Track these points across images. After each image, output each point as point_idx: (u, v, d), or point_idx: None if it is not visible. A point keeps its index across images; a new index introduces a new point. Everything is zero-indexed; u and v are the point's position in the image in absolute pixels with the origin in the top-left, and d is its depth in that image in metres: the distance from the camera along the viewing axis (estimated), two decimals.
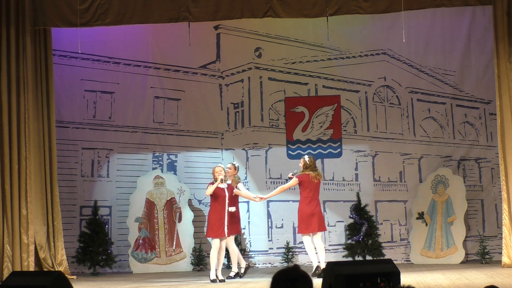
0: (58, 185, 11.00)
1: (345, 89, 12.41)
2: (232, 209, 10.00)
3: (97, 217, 11.75)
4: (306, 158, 10.31)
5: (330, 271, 5.95)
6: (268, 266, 12.00)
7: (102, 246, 11.61)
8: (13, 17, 10.58)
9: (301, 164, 10.27)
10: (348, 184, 12.28)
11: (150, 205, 11.89)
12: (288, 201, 11.83)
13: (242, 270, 10.31)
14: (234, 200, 10.16)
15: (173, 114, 12.47)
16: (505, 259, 10.21)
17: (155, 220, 11.85)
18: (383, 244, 11.87)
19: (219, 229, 9.77)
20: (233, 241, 10.27)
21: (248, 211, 12.22)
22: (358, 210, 11.80)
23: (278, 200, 12.00)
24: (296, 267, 3.54)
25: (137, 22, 10.77)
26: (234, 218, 10.13)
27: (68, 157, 12.04)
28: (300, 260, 12.05)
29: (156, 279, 10.44)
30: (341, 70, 12.39)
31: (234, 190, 10.13)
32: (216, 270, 9.73)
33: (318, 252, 10.09)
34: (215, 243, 9.78)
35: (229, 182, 10.11)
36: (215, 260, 9.75)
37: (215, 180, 9.83)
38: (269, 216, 12.28)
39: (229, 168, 10.39)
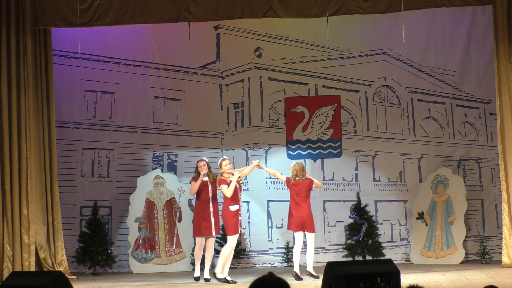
0: (58, 185, 11.00)
1: (345, 89, 12.41)
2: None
3: (97, 217, 11.75)
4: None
5: (330, 271, 5.95)
6: (268, 266, 11.99)
7: (102, 246, 11.61)
8: (13, 17, 10.58)
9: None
10: (348, 184, 12.28)
11: (150, 205, 11.89)
12: (288, 201, 11.79)
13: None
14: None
15: (173, 114, 12.47)
16: (505, 259, 10.21)
17: (155, 220, 11.85)
18: (383, 244, 11.88)
19: None
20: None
21: (248, 211, 12.22)
22: (358, 210, 11.81)
23: (278, 200, 12.01)
24: (271, 274, 3.53)
25: (137, 22, 10.77)
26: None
27: (68, 157, 12.04)
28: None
29: (156, 279, 10.44)
30: (341, 70, 12.39)
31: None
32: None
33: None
34: (301, 238, 9.82)
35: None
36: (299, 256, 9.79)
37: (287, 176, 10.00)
38: (269, 216, 12.27)
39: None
